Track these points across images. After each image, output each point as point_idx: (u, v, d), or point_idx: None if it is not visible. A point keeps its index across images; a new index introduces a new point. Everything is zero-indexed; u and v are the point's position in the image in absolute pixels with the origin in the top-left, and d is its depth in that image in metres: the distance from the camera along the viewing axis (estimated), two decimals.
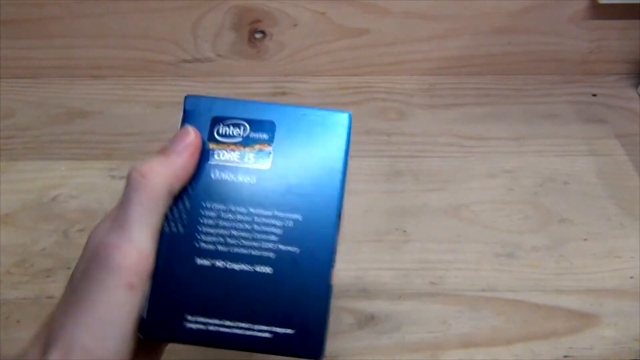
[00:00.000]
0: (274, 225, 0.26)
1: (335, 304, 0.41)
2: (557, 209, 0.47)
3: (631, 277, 0.43)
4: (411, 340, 0.39)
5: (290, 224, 0.26)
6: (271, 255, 0.26)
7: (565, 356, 0.38)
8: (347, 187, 0.49)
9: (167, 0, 0.53)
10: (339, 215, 0.26)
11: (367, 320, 0.40)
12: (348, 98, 0.57)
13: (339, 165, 0.27)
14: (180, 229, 0.26)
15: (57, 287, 0.41)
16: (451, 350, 0.39)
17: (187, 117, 0.27)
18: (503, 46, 0.58)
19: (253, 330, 0.25)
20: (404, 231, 0.45)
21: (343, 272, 0.43)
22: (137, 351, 0.25)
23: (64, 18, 0.54)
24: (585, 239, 0.45)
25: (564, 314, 0.40)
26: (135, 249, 0.23)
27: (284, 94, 0.57)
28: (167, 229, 0.25)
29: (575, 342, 0.39)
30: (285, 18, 0.55)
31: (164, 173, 0.25)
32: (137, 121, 0.54)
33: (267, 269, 0.25)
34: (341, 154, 0.27)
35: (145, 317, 0.24)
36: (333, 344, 0.39)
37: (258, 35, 0.56)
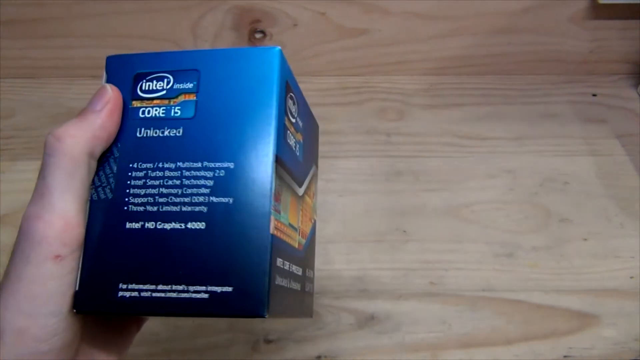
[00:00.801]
0: (204, 177, 0.24)
1: (335, 303, 0.41)
2: (557, 209, 0.47)
3: (631, 277, 0.43)
4: (411, 340, 0.39)
5: (222, 173, 0.24)
6: (203, 209, 0.23)
7: (565, 356, 0.38)
8: (348, 187, 0.49)
9: (167, 0, 0.53)
10: (275, 158, 0.24)
11: (367, 320, 0.40)
12: (348, 98, 0.57)
13: (270, 103, 0.24)
14: (109, 194, 0.24)
15: None
16: (451, 350, 0.39)
17: (109, 78, 0.25)
18: (503, 46, 0.58)
19: (188, 292, 0.23)
20: (404, 231, 0.45)
21: (343, 272, 0.43)
22: (104, 332, 0.24)
23: (64, 18, 0.54)
24: (585, 239, 0.45)
25: (564, 314, 0.40)
26: (59, 217, 0.22)
27: None
28: (95, 196, 0.24)
29: (575, 342, 0.39)
30: (285, 18, 0.55)
31: (82, 135, 0.23)
32: None
33: (200, 225, 0.23)
34: (272, 93, 0.24)
35: (77, 290, 0.23)
36: (333, 344, 0.39)
37: (258, 35, 0.56)
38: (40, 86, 0.58)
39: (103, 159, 0.24)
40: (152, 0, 0.53)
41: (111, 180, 0.24)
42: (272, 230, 0.23)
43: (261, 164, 0.24)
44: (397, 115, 0.55)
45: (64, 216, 0.22)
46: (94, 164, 0.24)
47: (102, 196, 0.24)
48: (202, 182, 0.24)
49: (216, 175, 0.24)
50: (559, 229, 0.46)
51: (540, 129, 0.54)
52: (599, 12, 0.55)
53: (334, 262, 0.43)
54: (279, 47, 0.25)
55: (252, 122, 0.24)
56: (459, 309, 0.41)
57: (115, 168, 0.24)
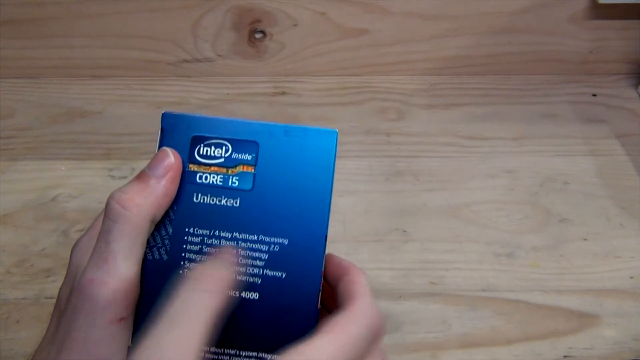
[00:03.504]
0: (260, 250, 0.25)
1: None
2: (557, 209, 0.47)
3: (631, 277, 0.43)
4: (411, 340, 0.39)
5: (277, 248, 0.25)
6: (257, 280, 0.25)
7: (565, 356, 0.38)
8: (348, 187, 0.49)
9: (167, 0, 0.53)
10: (326, 239, 0.25)
11: None
12: (348, 98, 0.57)
13: (326, 186, 0.26)
14: (164, 255, 0.25)
15: (57, 287, 0.41)
16: (451, 350, 0.39)
17: (165, 136, 0.26)
18: (503, 46, 0.58)
19: (240, 356, 0.24)
20: (404, 231, 0.45)
21: None
22: None
23: (64, 18, 0.54)
24: (585, 239, 0.45)
25: (564, 314, 0.40)
26: (123, 283, 0.23)
27: (283, 94, 0.57)
28: (149, 256, 0.25)
29: (575, 342, 0.39)
30: (285, 18, 0.55)
31: (146, 203, 0.24)
32: (137, 121, 0.54)
33: (254, 295, 0.25)
34: (328, 176, 0.26)
35: (132, 345, 0.24)
36: None
37: (258, 35, 0.56)
38: (40, 86, 0.58)
39: (159, 220, 0.25)
40: (152, 0, 0.53)
41: (166, 242, 0.25)
42: (319, 305, 0.25)
43: (314, 243, 0.25)
44: (397, 115, 0.55)
45: (127, 281, 0.23)
46: (152, 227, 0.25)
47: (157, 257, 0.25)
48: (257, 254, 0.25)
49: (271, 249, 0.25)
50: (559, 229, 0.46)
51: (540, 129, 0.54)
52: (598, 12, 0.55)
53: None
54: (337, 130, 0.26)
55: (308, 201, 0.25)
56: (459, 309, 0.41)
57: (171, 230, 0.25)
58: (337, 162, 0.50)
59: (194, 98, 0.57)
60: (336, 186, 0.48)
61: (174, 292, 0.22)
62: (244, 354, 0.24)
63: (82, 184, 0.48)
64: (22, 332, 0.38)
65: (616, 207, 0.47)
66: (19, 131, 0.53)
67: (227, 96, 0.57)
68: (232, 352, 0.24)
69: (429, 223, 0.46)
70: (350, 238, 0.45)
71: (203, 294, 0.22)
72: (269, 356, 0.24)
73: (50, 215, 0.46)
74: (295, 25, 0.55)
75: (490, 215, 0.47)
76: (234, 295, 0.25)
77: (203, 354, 0.22)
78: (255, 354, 0.24)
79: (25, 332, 0.38)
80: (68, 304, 0.23)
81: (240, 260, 0.25)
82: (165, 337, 0.20)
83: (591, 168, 0.50)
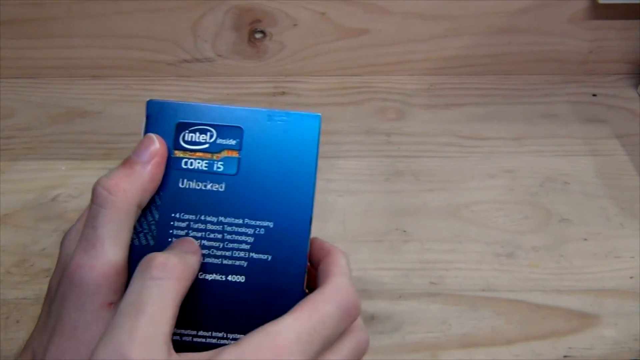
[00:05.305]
0: (245, 234, 0.25)
1: None
2: (557, 209, 0.47)
3: (631, 277, 0.43)
4: (411, 340, 0.39)
5: (262, 231, 0.25)
6: (243, 263, 0.25)
7: (565, 356, 0.38)
8: (347, 187, 0.49)
9: (167, 0, 0.53)
10: (310, 221, 0.26)
11: (367, 320, 0.40)
12: (348, 98, 0.57)
13: (310, 169, 0.26)
14: (150, 240, 0.25)
15: None
16: (451, 350, 0.39)
17: (151, 123, 0.27)
18: (503, 46, 0.58)
19: (227, 339, 0.25)
20: (404, 231, 0.45)
21: None
22: None
23: (64, 18, 0.54)
24: (585, 239, 0.45)
25: (564, 314, 0.40)
26: (111, 267, 0.23)
27: (283, 94, 0.57)
28: (136, 242, 0.25)
29: (575, 342, 0.39)
30: (285, 18, 0.55)
31: (132, 188, 0.24)
32: (137, 121, 0.54)
33: (240, 278, 0.25)
34: (312, 158, 0.26)
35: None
36: None
37: (258, 35, 0.56)
38: (40, 86, 0.58)
39: (145, 206, 0.25)
40: (152, 0, 0.53)
41: (153, 227, 0.25)
42: (305, 287, 0.25)
43: (299, 226, 0.25)
44: (397, 115, 0.55)
45: (115, 265, 0.23)
46: (139, 212, 0.25)
47: (144, 242, 0.25)
48: (243, 238, 0.25)
49: (257, 232, 0.25)
50: (559, 229, 0.46)
51: (540, 129, 0.54)
52: (599, 12, 0.55)
53: None
54: (320, 114, 0.26)
55: (292, 184, 0.26)
56: (459, 309, 0.41)
57: (157, 216, 0.25)
58: (336, 161, 0.50)
59: (194, 98, 0.57)
60: (336, 186, 0.48)
61: (135, 281, 0.22)
62: (231, 337, 0.25)
63: (82, 184, 0.48)
64: (22, 332, 0.38)
65: (616, 207, 0.47)
66: (18, 131, 0.53)
67: (227, 96, 0.57)
68: (220, 334, 0.25)
69: (429, 223, 0.46)
70: (350, 238, 0.45)
71: (168, 281, 0.22)
72: None
73: (50, 215, 0.46)
74: (295, 25, 0.55)
75: (490, 215, 0.47)
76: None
77: (175, 338, 0.22)
78: (242, 336, 0.24)
79: (25, 332, 0.38)
80: (58, 290, 0.23)
81: (225, 244, 0.25)
82: (134, 325, 0.20)
83: (591, 168, 0.50)
